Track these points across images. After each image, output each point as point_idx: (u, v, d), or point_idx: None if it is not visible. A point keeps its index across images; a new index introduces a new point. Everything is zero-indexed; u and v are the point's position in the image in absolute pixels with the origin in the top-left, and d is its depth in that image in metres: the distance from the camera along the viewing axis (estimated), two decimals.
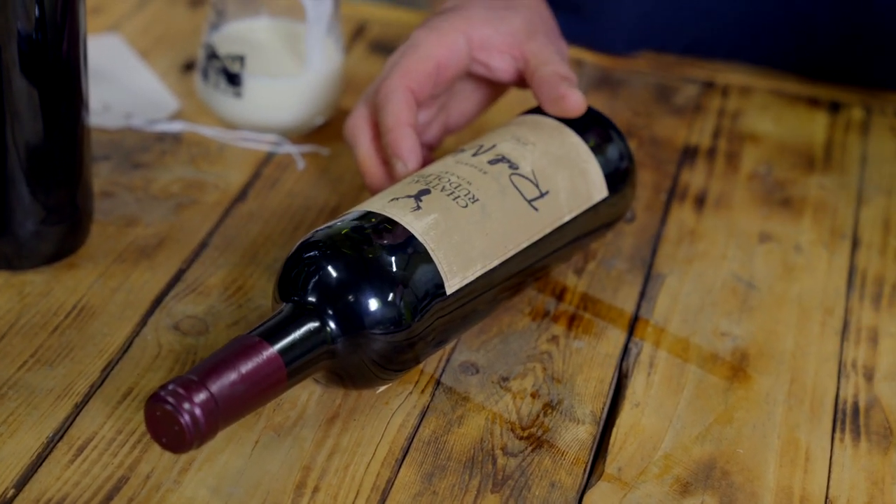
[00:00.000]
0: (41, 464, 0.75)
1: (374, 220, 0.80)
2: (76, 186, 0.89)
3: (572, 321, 0.88)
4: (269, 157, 1.01)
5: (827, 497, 0.77)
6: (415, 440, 0.79)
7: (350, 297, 0.77)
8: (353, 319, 0.76)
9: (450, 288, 0.79)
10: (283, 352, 0.74)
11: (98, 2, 1.17)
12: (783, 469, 0.79)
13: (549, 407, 0.82)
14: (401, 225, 0.79)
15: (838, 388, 0.85)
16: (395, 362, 0.79)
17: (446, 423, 0.80)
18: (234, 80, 1.00)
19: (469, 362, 0.84)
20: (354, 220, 0.80)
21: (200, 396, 0.71)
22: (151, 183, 0.97)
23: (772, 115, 1.11)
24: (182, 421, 0.70)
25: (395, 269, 0.78)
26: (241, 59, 1.00)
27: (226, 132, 1.02)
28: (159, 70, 1.10)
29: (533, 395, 0.82)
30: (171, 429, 0.71)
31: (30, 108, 0.84)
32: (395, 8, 1.25)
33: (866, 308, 0.91)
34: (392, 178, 0.90)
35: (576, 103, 0.88)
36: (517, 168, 0.84)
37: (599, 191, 0.87)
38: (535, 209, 0.84)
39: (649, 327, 0.88)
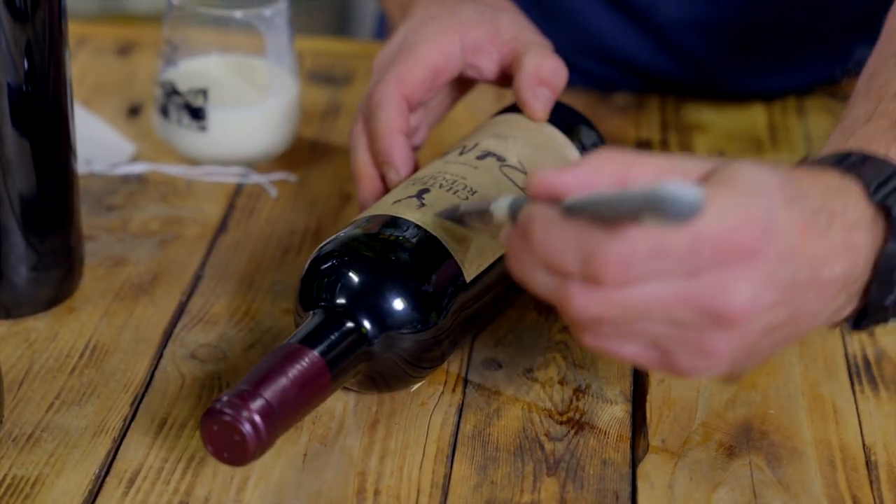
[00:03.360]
0: (95, 500, 0.74)
1: (383, 222, 0.80)
2: (69, 230, 0.87)
3: None
4: (239, 189, 1.01)
5: (864, 444, 0.80)
6: (459, 436, 0.79)
7: (381, 297, 0.77)
8: (386, 318, 0.77)
9: (468, 276, 0.80)
10: (324, 353, 0.75)
11: None
12: (816, 424, 0.81)
13: (580, 391, 0.83)
14: (410, 222, 0.80)
15: (845, 345, 0.87)
16: (427, 359, 0.80)
17: (485, 417, 0.81)
18: (197, 114, 1.00)
19: (490, 359, 0.85)
20: (363, 225, 0.81)
21: (257, 404, 0.71)
22: (129, 223, 0.96)
23: (709, 106, 1.14)
24: (243, 430, 0.70)
25: (418, 267, 0.79)
26: (204, 93, 0.99)
27: (191, 168, 1.02)
28: (105, 117, 1.09)
29: (560, 383, 0.84)
30: (231, 441, 0.71)
31: (22, 158, 0.83)
32: (325, 39, 1.26)
33: None
34: (385, 186, 0.90)
35: (534, 112, 0.90)
36: (504, 160, 0.86)
37: None
38: None
39: None
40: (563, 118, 0.92)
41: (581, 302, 0.65)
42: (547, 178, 0.65)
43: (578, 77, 1.17)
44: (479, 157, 0.86)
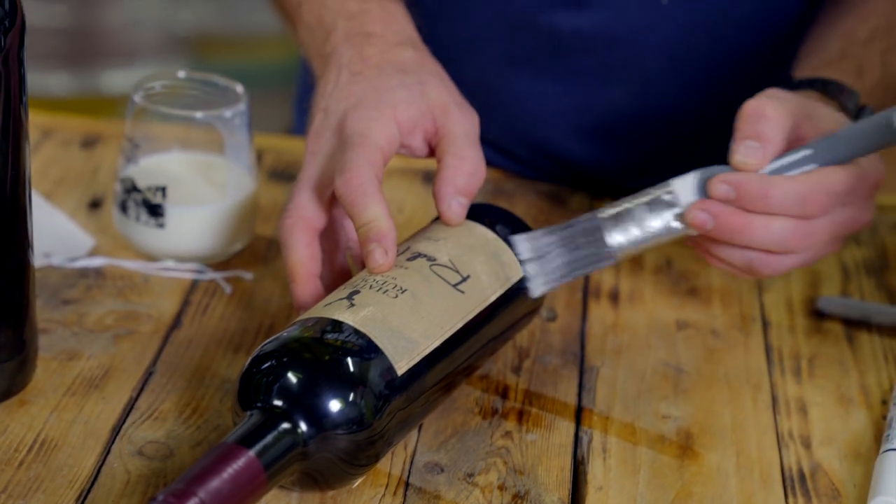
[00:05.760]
0: None
1: (315, 324, 0.83)
2: (24, 324, 0.89)
3: (521, 416, 0.91)
4: (194, 285, 1.03)
5: None
6: None
7: (316, 398, 0.80)
8: (321, 419, 0.79)
9: (400, 369, 0.82)
10: (259, 454, 0.77)
11: None
12: None
13: (518, 497, 0.84)
14: (340, 322, 0.83)
15: (781, 457, 0.89)
16: (362, 457, 0.81)
17: None
18: (155, 210, 1.02)
19: (433, 462, 0.87)
20: (298, 329, 0.83)
21: (191, 503, 0.72)
22: (84, 317, 0.98)
23: None
24: None
25: (351, 367, 0.81)
26: (162, 190, 1.01)
27: (148, 264, 1.04)
28: (67, 210, 1.11)
29: (500, 488, 0.85)
30: None
31: None
32: (285, 137, 1.28)
33: (789, 382, 0.96)
34: (321, 291, 0.92)
35: (449, 221, 0.92)
36: (435, 260, 0.89)
37: (516, 271, 0.92)
38: (462, 292, 0.88)
39: (594, 416, 0.92)
40: (495, 219, 0.94)
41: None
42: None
43: (525, 169, 1.20)
44: (410, 259, 0.89)
